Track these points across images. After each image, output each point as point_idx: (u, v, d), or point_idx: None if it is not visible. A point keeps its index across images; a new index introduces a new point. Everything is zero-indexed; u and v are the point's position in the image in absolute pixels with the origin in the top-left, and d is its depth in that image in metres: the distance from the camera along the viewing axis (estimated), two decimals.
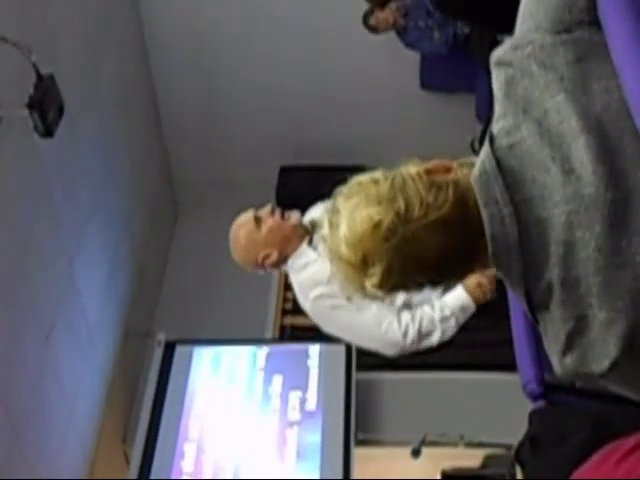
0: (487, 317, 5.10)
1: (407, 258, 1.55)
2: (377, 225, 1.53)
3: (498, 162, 1.54)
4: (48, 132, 4.00)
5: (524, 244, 1.50)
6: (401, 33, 5.25)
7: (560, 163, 1.48)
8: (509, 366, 2.72)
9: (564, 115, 1.50)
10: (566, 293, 1.49)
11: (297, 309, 6.42)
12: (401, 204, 1.54)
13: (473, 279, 3.25)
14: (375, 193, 1.56)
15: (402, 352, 3.30)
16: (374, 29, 5.19)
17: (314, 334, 5.89)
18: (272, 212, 3.35)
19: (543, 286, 1.51)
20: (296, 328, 6.24)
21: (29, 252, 4.44)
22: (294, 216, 3.36)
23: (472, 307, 3.29)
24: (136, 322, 6.03)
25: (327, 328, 3.35)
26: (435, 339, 3.30)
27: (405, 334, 3.22)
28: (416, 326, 3.24)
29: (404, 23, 5.11)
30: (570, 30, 1.60)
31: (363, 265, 1.55)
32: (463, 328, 5.80)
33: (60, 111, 4.08)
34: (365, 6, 5.14)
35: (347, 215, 1.57)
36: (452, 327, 3.32)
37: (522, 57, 1.59)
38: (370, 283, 1.57)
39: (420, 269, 1.57)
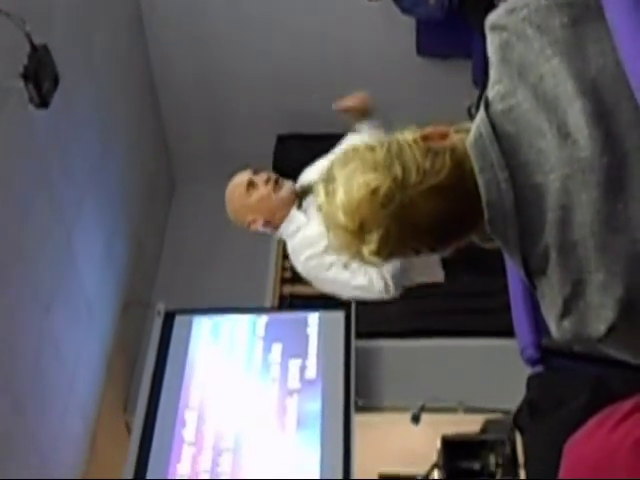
0: (484, 282, 5.13)
1: (404, 224, 1.55)
2: (374, 191, 1.52)
3: (494, 127, 1.53)
4: (43, 103, 3.98)
5: (520, 209, 1.50)
6: None
7: (556, 127, 1.47)
8: (507, 332, 2.72)
9: (560, 79, 1.49)
10: (563, 257, 1.49)
11: (296, 278, 6.42)
12: (398, 170, 1.53)
13: None
14: (371, 159, 1.56)
15: (397, 293, 3.42)
16: None
17: (313, 302, 5.98)
18: (267, 181, 3.47)
19: (540, 251, 1.51)
20: (295, 297, 6.25)
21: (26, 225, 4.43)
22: (286, 188, 3.46)
23: None
24: (135, 293, 6.03)
25: (321, 287, 3.49)
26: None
27: (391, 280, 3.33)
28: (397, 275, 3.37)
29: None
30: None
31: (360, 232, 1.55)
32: (461, 295, 5.85)
33: (55, 81, 4.06)
34: None
35: (344, 182, 1.56)
36: None
37: (517, 21, 1.59)
38: (367, 250, 1.57)
39: (417, 235, 1.57)
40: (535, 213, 1.50)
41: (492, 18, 1.65)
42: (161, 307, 5.79)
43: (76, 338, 5.04)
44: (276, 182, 3.48)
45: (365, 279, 3.31)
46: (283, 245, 6.77)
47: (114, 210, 5.78)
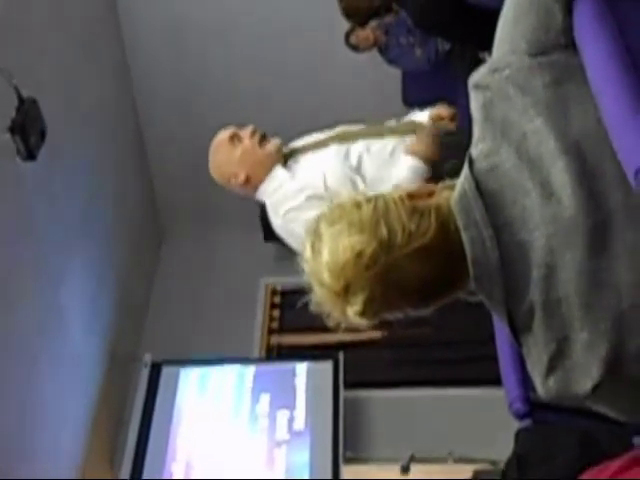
0: (472, 331, 5.13)
1: (389, 286, 1.55)
2: (359, 254, 1.53)
3: (478, 185, 1.54)
4: (30, 155, 4.00)
5: (505, 267, 1.50)
6: (383, 50, 5.26)
7: (540, 186, 1.48)
8: (497, 381, 2.71)
9: (542, 138, 1.50)
10: (548, 315, 1.48)
11: (283, 328, 6.45)
12: (384, 231, 1.54)
13: (416, 137, 3.25)
14: (358, 219, 1.56)
15: None
16: (356, 47, 5.20)
17: (301, 352, 5.96)
18: (252, 134, 3.34)
19: (525, 308, 1.51)
20: (283, 347, 6.24)
21: (12, 276, 4.41)
22: (273, 142, 3.34)
23: (422, 165, 3.19)
24: (122, 344, 6.00)
25: (298, 244, 3.30)
26: None
27: None
28: None
29: (386, 40, 5.12)
30: (547, 53, 1.61)
31: (345, 293, 1.55)
32: (450, 344, 5.84)
33: (42, 134, 4.08)
34: (347, 25, 5.15)
35: (330, 242, 1.56)
36: None
37: (500, 80, 1.60)
38: (352, 311, 1.57)
39: (402, 296, 1.58)
40: (520, 270, 1.50)
41: (475, 77, 1.66)
42: (148, 358, 5.76)
43: (62, 390, 5.00)
44: (263, 136, 3.35)
45: None
46: (271, 293, 6.86)
47: (101, 261, 5.76)
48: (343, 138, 3.32)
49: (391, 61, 5.40)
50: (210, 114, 6.35)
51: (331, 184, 3.16)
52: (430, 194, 1.62)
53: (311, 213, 3.09)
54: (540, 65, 1.58)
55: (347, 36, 5.14)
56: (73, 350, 5.21)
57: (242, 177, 3.31)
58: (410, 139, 3.26)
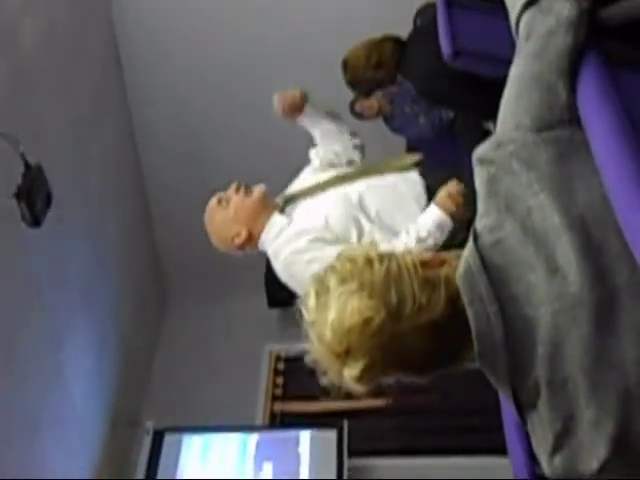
0: (478, 399, 5.08)
1: (391, 355, 1.53)
2: (367, 321, 1.51)
3: (482, 259, 1.53)
4: (35, 222, 4.00)
5: (510, 343, 1.49)
6: (388, 119, 5.29)
7: (545, 261, 1.47)
8: (502, 450, 2.68)
9: (547, 213, 1.50)
10: (553, 393, 1.47)
11: (287, 395, 6.40)
12: (394, 299, 1.52)
13: (442, 192, 3.15)
14: (369, 281, 1.54)
15: None
16: (360, 115, 5.23)
17: (305, 420, 5.90)
18: (237, 189, 3.32)
19: (530, 385, 1.50)
20: (286, 414, 6.18)
21: (16, 340, 4.39)
22: (257, 189, 3.32)
23: (448, 222, 3.11)
24: (124, 410, 5.95)
25: (304, 285, 3.14)
26: None
27: None
28: None
29: (390, 109, 5.15)
30: (551, 128, 1.61)
31: (345, 356, 1.54)
32: (455, 412, 5.78)
33: (48, 201, 4.09)
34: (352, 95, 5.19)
35: (338, 301, 1.54)
36: (429, 248, 3.10)
37: (504, 155, 1.60)
38: (349, 374, 1.55)
39: (402, 366, 1.56)
40: (525, 347, 1.48)
41: (479, 152, 1.66)
42: (150, 425, 5.71)
43: (63, 455, 4.94)
44: (246, 187, 3.33)
45: None
46: (275, 360, 6.82)
47: (104, 325, 5.75)
48: (341, 180, 3.31)
49: (395, 129, 5.43)
50: (216, 182, 6.38)
51: (334, 226, 3.13)
52: (442, 263, 1.61)
53: (314, 254, 3.08)
54: (544, 141, 1.59)
55: (352, 105, 5.17)
56: (75, 415, 5.17)
57: (244, 233, 3.28)
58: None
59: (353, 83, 4.73)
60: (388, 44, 4.52)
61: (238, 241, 3.29)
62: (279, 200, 3.36)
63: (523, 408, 1.55)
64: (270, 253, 3.24)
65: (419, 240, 3.07)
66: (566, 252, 1.45)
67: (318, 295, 1.59)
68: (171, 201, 6.63)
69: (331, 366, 1.57)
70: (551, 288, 1.45)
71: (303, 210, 3.29)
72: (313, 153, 3.55)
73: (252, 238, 3.29)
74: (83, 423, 5.29)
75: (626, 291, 1.42)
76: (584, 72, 1.61)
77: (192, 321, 6.78)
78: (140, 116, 6.46)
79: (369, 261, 1.58)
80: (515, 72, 1.72)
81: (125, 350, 6.09)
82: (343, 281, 1.56)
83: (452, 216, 3.11)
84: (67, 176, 4.94)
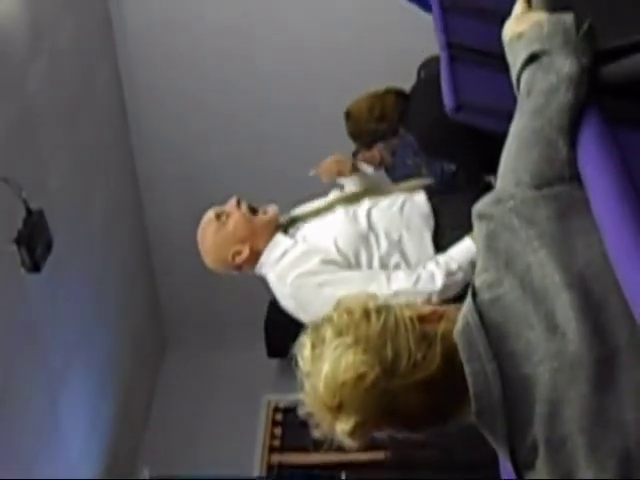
0: (476, 453, 5.04)
1: (384, 412, 1.52)
2: (361, 377, 1.50)
3: (481, 316, 1.52)
4: (35, 267, 4.00)
5: (508, 401, 1.47)
6: (390, 170, 5.30)
7: (544, 319, 1.46)
8: None
9: (547, 270, 1.49)
10: (552, 453, 1.45)
11: (285, 446, 6.34)
12: (389, 355, 1.51)
13: None
14: (365, 335, 1.53)
15: None
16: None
17: (303, 472, 5.84)
18: (238, 204, 3.13)
19: (528, 444, 1.48)
20: (284, 466, 6.12)
21: (10, 388, 4.36)
22: (272, 209, 3.15)
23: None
24: (120, 457, 5.90)
25: (312, 310, 2.92)
26: (435, 297, 2.92)
27: (396, 294, 2.85)
28: (410, 283, 2.90)
29: (392, 161, 5.16)
30: (551, 185, 1.61)
31: (338, 411, 1.52)
32: (453, 466, 5.72)
33: (48, 246, 4.09)
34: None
35: (332, 355, 1.53)
36: (457, 283, 2.94)
37: (503, 211, 1.59)
38: (340, 428, 1.53)
39: (396, 423, 1.55)
40: (523, 405, 1.46)
41: (479, 207, 1.65)
42: (146, 473, 5.66)
43: None
44: (251, 207, 3.12)
45: (374, 286, 2.88)
46: (273, 411, 6.77)
47: (102, 372, 5.72)
48: (348, 200, 3.21)
49: (397, 180, 5.43)
50: None
51: (343, 246, 3.00)
52: (440, 318, 1.59)
53: (326, 277, 2.97)
54: (544, 197, 1.58)
55: (354, 155, 5.19)
56: (70, 460, 5.13)
57: (246, 252, 3.07)
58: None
59: (355, 134, 4.75)
60: (391, 97, 4.54)
61: (239, 260, 3.09)
62: (282, 220, 3.19)
63: (521, 467, 1.53)
64: (271, 277, 3.05)
65: (448, 274, 2.92)
66: (566, 310, 1.44)
67: (314, 346, 1.58)
68: (172, 249, 6.63)
69: (323, 419, 1.55)
70: (550, 346, 1.44)
71: (310, 231, 3.12)
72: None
73: (253, 257, 3.09)
74: (78, 468, 5.25)
75: (626, 350, 1.41)
76: (584, 129, 1.61)
77: (191, 369, 6.75)
78: (143, 163, 6.50)
79: (366, 314, 1.57)
80: (515, 128, 1.72)
81: (123, 397, 6.06)
82: (339, 333, 1.55)
83: None
84: (68, 221, 4.94)
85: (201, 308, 6.91)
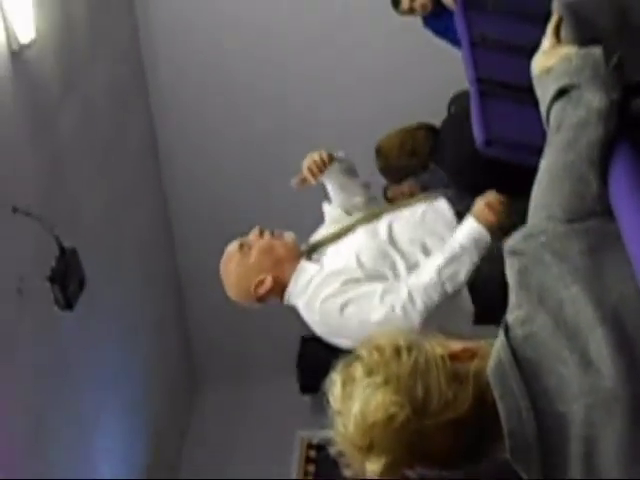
0: None
1: (414, 452, 1.51)
2: (391, 418, 1.48)
3: (514, 353, 1.50)
4: (68, 305, 4.03)
5: (543, 439, 1.45)
6: None
7: (577, 355, 1.44)
8: None
9: (580, 306, 1.47)
10: None
11: None
12: (420, 394, 1.50)
13: (479, 202, 2.97)
14: (395, 375, 1.52)
15: (421, 318, 2.83)
16: (392, 201, 5.24)
17: None
18: (261, 233, 3.07)
19: None
20: None
21: (45, 426, 4.37)
22: (288, 235, 3.09)
23: (486, 236, 2.89)
24: None
25: (345, 333, 2.91)
26: (449, 287, 2.87)
27: (412, 301, 2.81)
28: (419, 290, 2.84)
29: None
30: (582, 219, 1.60)
31: (368, 451, 1.51)
32: None
33: (81, 284, 4.12)
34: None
35: (362, 395, 1.52)
36: (466, 265, 2.89)
37: (535, 246, 1.58)
38: (370, 468, 1.52)
39: (426, 463, 1.54)
40: (558, 443, 1.44)
41: (511, 243, 1.64)
42: None
43: None
44: (272, 232, 3.07)
45: (383, 310, 2.83)
46: (307, 448, 6.72)
47: (135, 411, 5.72)
48: (369, 219, 3.16)
49: None
50: None
51: (365, 262, 2.96)
52: (472, 356, 1.58)
53: (348, 296, 2.93)
54: (576, 232, 1.57)
55: (384, 190, 5.19)
56: None
57: (269, 281, 2.99)
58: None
59: (386, 170, 4.76)
60: (421, 132, 4.55)
61: (261, 291, 3.02)
62: (303, 248, 3.14)
63: None
64: (301, 305, 3.00)
65: (453, 259, 2.88)
66: (599, 346, 1.43)
67: (344, 384, 1.57)
68: (205, 286, 6.63)
69: (354, 459, 1.54)
70: (584, 382, 1.42)
71: (333, 253, 3.08)
72: (330, 207, 3.40)
73: (276, 287, 3.02)
74: None
75: None
76: (615, 164, 1.60)
77: (223, 406, 6.74)
78: (175, 197, 6.54)
79: (397, 351, 1.55)
80: (546, 163, 1.71)
81: (155, 434, 6.05)
82: (369, 373, 1.54)
83: (490, 230, 2.91)
84: (101, 259, 4.97)
85: (232, 347, 6.91)
